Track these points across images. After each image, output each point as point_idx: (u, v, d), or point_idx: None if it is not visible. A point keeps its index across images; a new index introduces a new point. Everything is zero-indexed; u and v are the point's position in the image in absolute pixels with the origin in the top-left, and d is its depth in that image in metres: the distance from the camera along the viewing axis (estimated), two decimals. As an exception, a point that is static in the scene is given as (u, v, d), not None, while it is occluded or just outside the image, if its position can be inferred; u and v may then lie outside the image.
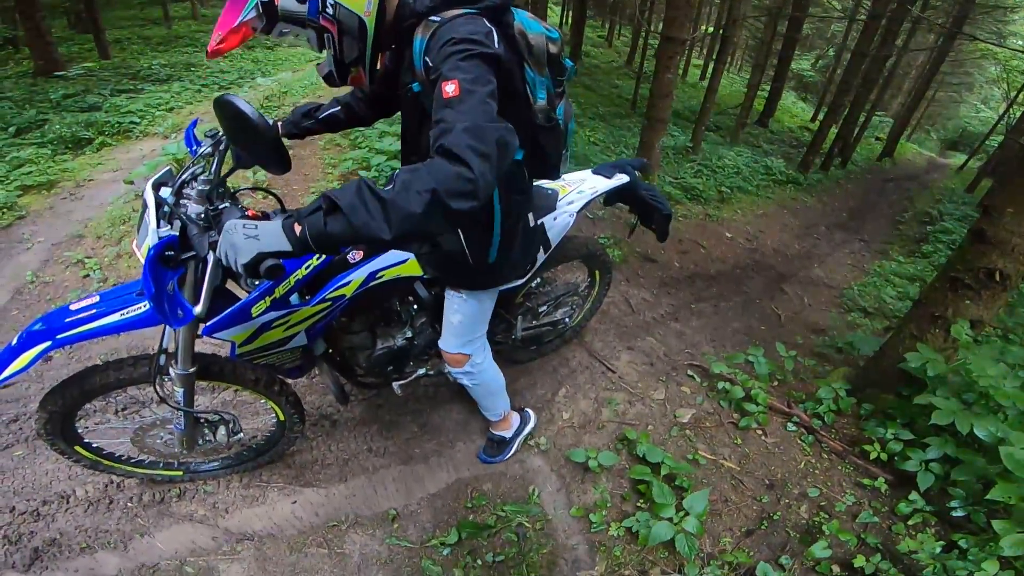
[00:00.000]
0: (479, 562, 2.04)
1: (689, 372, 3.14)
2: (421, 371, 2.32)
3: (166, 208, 1.48)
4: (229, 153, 1.70)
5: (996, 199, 2.51)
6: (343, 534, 2.13)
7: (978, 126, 27.49)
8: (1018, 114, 13.71)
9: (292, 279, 1.67)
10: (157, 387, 1.74)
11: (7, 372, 1.52)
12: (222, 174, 1.60)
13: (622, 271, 4.42)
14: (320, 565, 2.02)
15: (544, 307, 2.67)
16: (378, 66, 1.45)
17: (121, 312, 1.57)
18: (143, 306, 1.58)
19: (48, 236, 3.82)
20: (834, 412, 2.88)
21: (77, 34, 11.25)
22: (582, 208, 2.37)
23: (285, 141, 1.73)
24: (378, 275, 1.84)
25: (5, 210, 4.19)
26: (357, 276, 1.80)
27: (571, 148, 1.87)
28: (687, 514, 2.07)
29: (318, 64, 1.45)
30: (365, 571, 2.03)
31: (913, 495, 2.38)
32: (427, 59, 1.30)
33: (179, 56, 9.65)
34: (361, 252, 1.81)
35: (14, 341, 1.57)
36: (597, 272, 2.85)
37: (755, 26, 17.13)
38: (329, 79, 1.42)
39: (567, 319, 2.86)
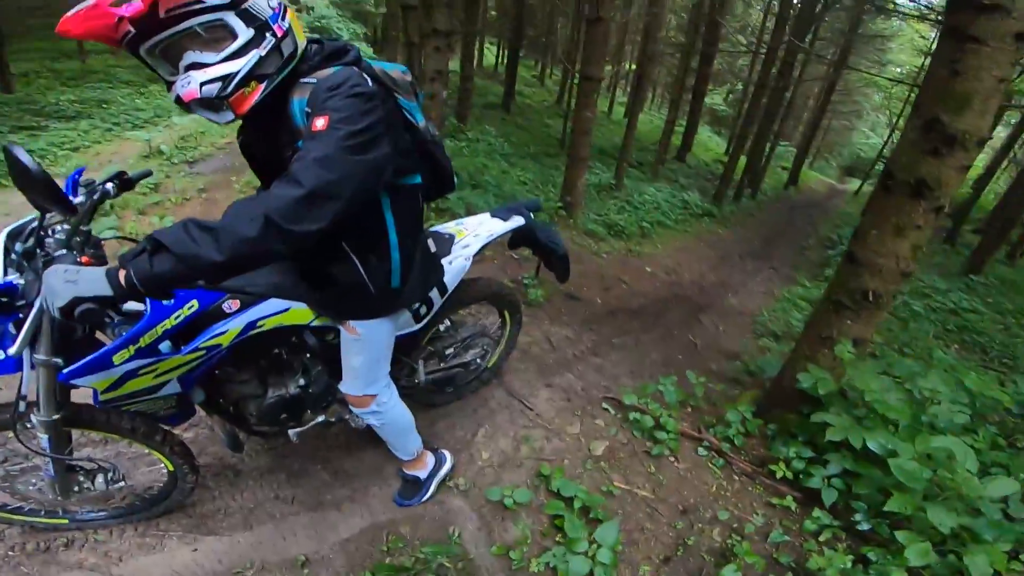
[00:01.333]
0: (397, 607, 1.96)
1: (604, 405, 3.19)
2: (320, 418, 2.22)
3: (13, 256, 1.45)
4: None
5: (862, 222, 2.71)
6: (251, 583, 2.01)
7: (869, 152, 29.91)
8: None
9: (160, 328, 1.57)
10: (19, 434, 1.60)
11: None
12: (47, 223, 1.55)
13: (545, 310, 4.45)
14: (224, 619, 1.89)
15: (451, 350, 2.66)
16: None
17: None
18: None
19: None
20: (743, 434, 2.99)
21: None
22: (478, 251, 2.39)
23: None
24: (257, 324, 1.76)
25: None
26: (234, 326, 1.70)
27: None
28: (600, 546, 2.08)
29: (176, 88, 1.31)
30: (271, 622, 1.91)
31: (818, 511, 2.46)
32: (308, 110, 1.34)
33: (91, 92, 9.12)
34: (237, 302, 1.72)
35: None
36: (506, 312, 2.85)
37: (671, 63, 18.17)
38: (206, 101, 1.32)
39: (479, 360, 2.85)
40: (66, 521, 2.07)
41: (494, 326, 2.88)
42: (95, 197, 1.62)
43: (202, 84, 1.29)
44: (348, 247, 1.65)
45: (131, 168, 1.66)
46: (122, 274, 1.19)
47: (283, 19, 1.36)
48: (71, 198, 1.60)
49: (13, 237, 1.51)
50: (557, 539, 2.26)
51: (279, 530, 2.25)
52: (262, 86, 1.35)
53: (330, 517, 2.33)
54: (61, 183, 1.61)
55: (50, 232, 1.52)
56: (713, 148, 20.58)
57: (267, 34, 1.32)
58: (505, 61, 15.97)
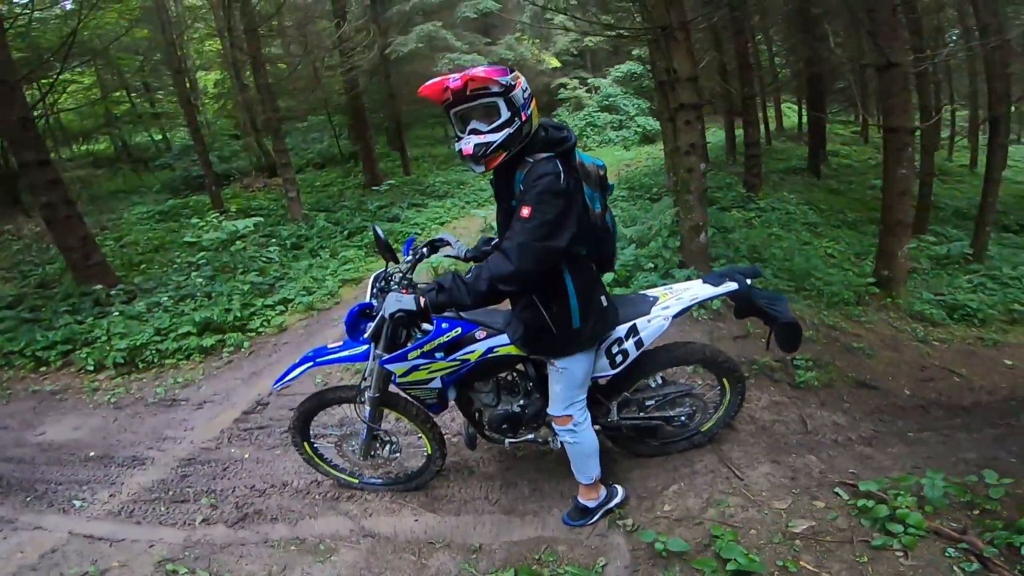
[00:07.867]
0: (517, 603, 2.16)
1: (836, 490, 2.62)
2: (530, 436, 2.69)
3: (375, 289, 2.46)
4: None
5: None
6: (435, 551, 2.54)
7: None
8: None
9: (437, 341, 2.35)
10: (358, 405, 2.63)
11: (289, 377, 2.58)
12: (410, 271, 2.57)
13: (818, 394, 3.83)
14: (406, 568, 2.47)
15: (651, 402, 2.75)
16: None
17: (351, 351, 2.51)
18: (363, 348, 2.47)
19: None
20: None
21: (392, 151, 14.26)
22: (678, 313, 2.51)
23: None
24: (494, 350, 2.40)
25: (329, 296, 6.02)
26: (479, 348, 2.40)
27: (619, 247, 2.37)
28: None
29: (459, 143, 1.97)
30: (433, 582, 2.35)
31: None
32: (521, 186, 1.94)
33: (453, 174, 11.91)
34: (484, 333, 2.40)
35: (296, 360, 2.63)
36: (726, 380, 2.79)
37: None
38: (473, 157, 1.94)
39: (684, 419, 2.81)
40: (356, 481, 2.98)
41: (711, 391, 2.83)
42: (416, 257, 2.63)
43: (475, 145, 1.91)
44: (536, 299, 2.16)
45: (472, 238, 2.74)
46: (421, 299, 1.97)
47: (528, 108, 1.91)
48: (406, 255, 2.65)
49: (376, 279, 2.50)
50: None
51: (475, 522, 2.73)
52: (504, 154, 1.94)
53: (513, 522, 2.70)
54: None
55: (393, 276, 2.49)
56: None
57: (516, 119, 1.89)
58: (807, 121, 14.40)
